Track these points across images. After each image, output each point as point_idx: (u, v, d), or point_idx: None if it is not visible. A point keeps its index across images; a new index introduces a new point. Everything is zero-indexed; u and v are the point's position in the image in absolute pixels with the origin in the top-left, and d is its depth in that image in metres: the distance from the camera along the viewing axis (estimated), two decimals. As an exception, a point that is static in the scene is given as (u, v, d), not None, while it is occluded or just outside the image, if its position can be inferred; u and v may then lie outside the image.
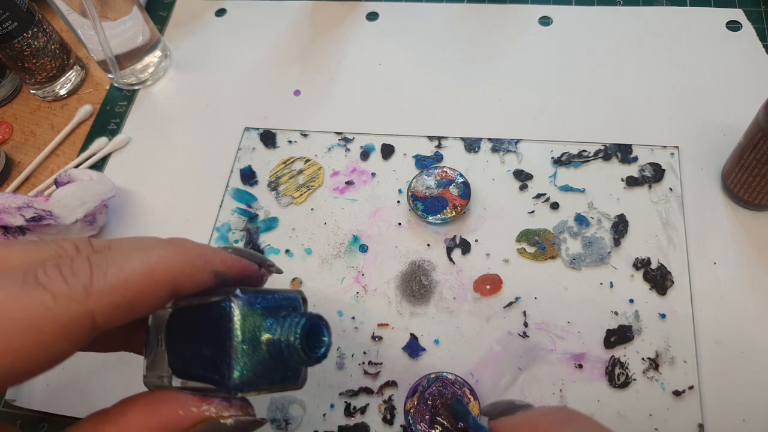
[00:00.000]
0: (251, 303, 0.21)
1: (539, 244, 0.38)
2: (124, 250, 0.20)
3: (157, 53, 0.50)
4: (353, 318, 0.37)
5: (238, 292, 0.21)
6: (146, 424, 0.20)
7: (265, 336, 0.21)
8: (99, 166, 0.46)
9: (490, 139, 0.43)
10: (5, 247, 0.19)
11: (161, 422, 0.20)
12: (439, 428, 0.32)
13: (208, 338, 0.21)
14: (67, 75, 0.51)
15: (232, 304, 0.21)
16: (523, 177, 0.41)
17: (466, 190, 0.39)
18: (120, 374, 0.37)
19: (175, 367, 0.22)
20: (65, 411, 0.36)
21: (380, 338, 0.36)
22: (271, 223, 0.41)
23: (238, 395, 0.21)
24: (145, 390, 0.22)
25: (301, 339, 0.21)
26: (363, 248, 0.40)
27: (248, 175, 0.44)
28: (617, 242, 0.38)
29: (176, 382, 0.22)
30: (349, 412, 0.34)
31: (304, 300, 0.24)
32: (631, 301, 0.36)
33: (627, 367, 0.34)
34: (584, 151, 0.42)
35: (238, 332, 0.20)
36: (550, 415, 0.21)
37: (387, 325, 0.37)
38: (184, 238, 0.22)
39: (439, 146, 0.43)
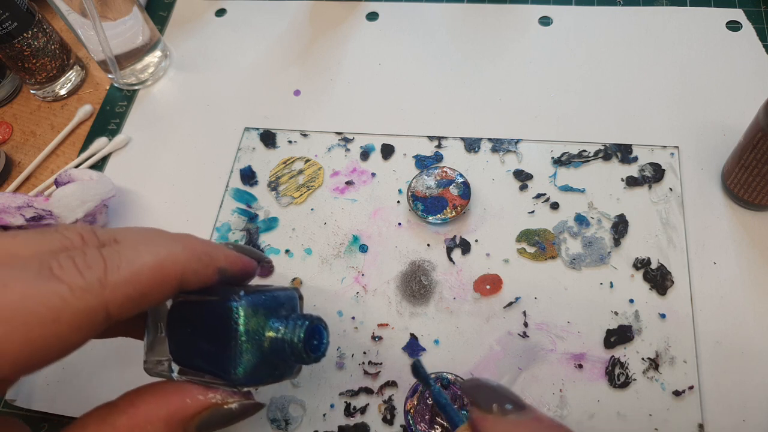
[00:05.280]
0: (254, 303, 0.22)
1: (539, 244, 0.38)
2: (134, 244, 0.20)
3: (157, 53, 0.50)
4: (353, 318, 0.37)
5: (242, 293, 0.22)
6: (156, 414, 0.20)
7: (268, 335, 0.22)
8: (99, 166, 0.46)
9: (490, 139, 0.43)
10: (12, 237, 0.20)
11: (170, 411, 0.20)
12: (439, 428, 0.32)
13: (212, 335, 0.22)
14: (67, 75, 0.51)
15: (238, 305, 0.22)
16: (523, 177, 0.41)
17: (466, 190, 0.39)
18: (120, 375, 0.37)
19: (177, 357, 0.23)
20: (65, 411, 0.36)
21: (380, 338, 0.36)
22: (271, 223, 0.41)
23: (240, 388, 0.22)
24: (146, 377, 0.23)
25: (304, 340, 0.22)
26: (363, 248, 0.40)
27: (248, 175, 0.44)
28: (617, 242, 0.38)
29: (175, 368, 0.23)
30: (349, 412, 0.34)
31: (301, 297, 0.26)
32: (631, 301, 0.36)
33: (627, 367, 0.34)
34: (584, 151, 0.42)
35: (243, 332, 0.22)
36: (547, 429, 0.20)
37: (387, 325, 0.37)
38: (189, 234, 0.23)
39: (439, 146, 0.43)
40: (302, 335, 0.22)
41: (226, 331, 0.22)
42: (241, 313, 0.22)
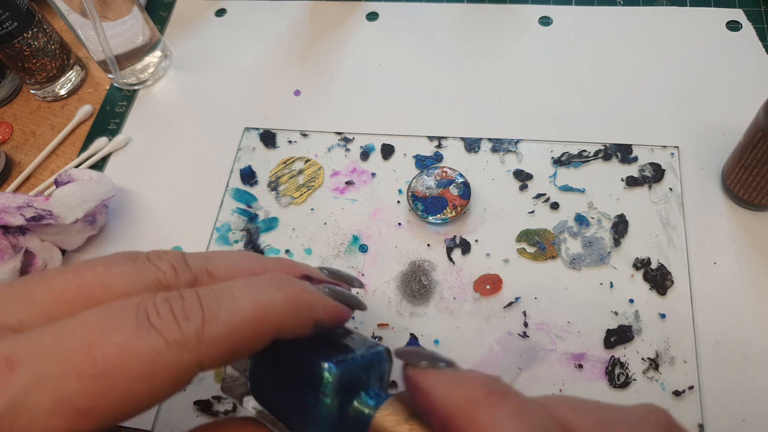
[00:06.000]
0: (346, 376, 0.21)
1: (539, 244, 0.38)
2: (231, 287, 0.19)
3: (157, 53, 0.50)
4: (353, 318, 0.37)
5: (335, 359, 0.21)
6: None
7: (356, 406, 0.21)
8: (99, 166, 0.46)
9: (490, 139, 0.43)
10: (106, 267, 0.19)
11: None
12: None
13: (295, 390, 0.21)
14: (67, 75, 0.51)
15: (329, 375, 0.21)
16: (523, 177, 0.41)
17: (466, 190, 0.39)
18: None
19: (255, 391, 0.23)
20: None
21: (380, 338, 0.36)
22: (271, 223, 0.41)
23: None
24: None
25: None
26: (363, 248, 0.40)
27: (248, 175, 0.44)
28: (617, 242, 0.38)
29: (251, 398, 0.23)
30: (349, 412, 0.34)
31: (391, 360, 0.24)
32: (631, 301, 0.36)
33: (627, 367, 0.34)
34: (584, 151, 0.42)
35: (328, 403, 0.21)
36: (483, 380, 0.18)
37: (387, 325, 0.37)
38: (289, 277, 0.21)
39: (439, 146, 0.43)
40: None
41: (311, 392, 0.21)
42: (330, 383, 0.21)
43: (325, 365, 0.21)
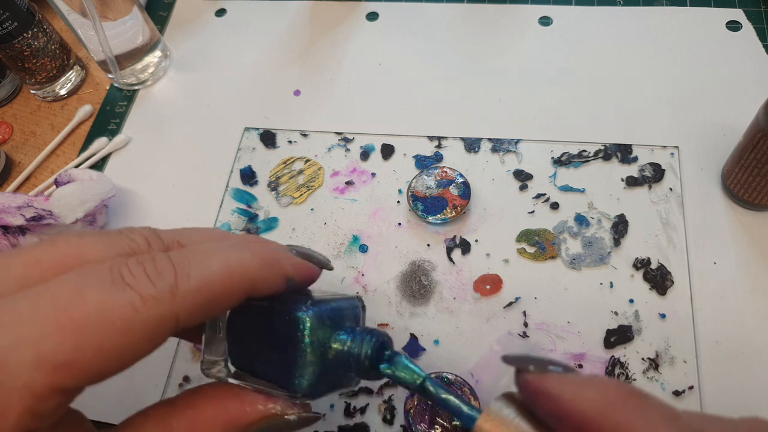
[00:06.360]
0: (321, 314, 0.22)
1: (539, 244, 0.38)
2: (203, 250, 0.20)
3: (157, 53, 0.50)
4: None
5: (309, 302, 0.22)
6: (215, 419, 0.20)
7: (334, 347, 0.22)
8: (99, 166, 0.46)
9: (490, 139, 0.43)
10: (79, 238, 0.19)
11: (229, 417, 0.20)
12: (439, 428, 0.32)
13: (276, 343, 0.22)
14: (67, 75, 0.51)
15: (305, 315, 0.21)
16: (523, 177, 0.41)
17: (466, 190, 0.39)
18: (120, 375, 0.37)
19: (235, 359, 0.23)
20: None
21: (380, 338, 0.36)
22: (271, 224, 0.41)
23: (300, 398, 0.22)
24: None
25: (371, 356, 0.22)
26: (363, 248, 0.40)
27: (248, 175, 0.44)
28: (617, 242, 0.38)
29: (231, 369, 0.23)
30: (349, 412, 0.34)
31: (363, 308, 0.25)
32: (631, 301, 0.36)
33: (627, 367, 0.34)
34: (584, 151, 0.42)
35: (309, 343, 0.21)
36: (618, 383, 0.18)
37: (387, 325, 0.37)
38: (256, 237, 0.22)
39: (439, 146, 0.43)
40: (369, 351, 0.22)
41: (291, 340, 0.21)
42: (308, 324, 0.21)
43: (301, 308, 0.22)
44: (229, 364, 0.23)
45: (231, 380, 0.23)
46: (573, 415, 0.18)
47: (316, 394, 0.22)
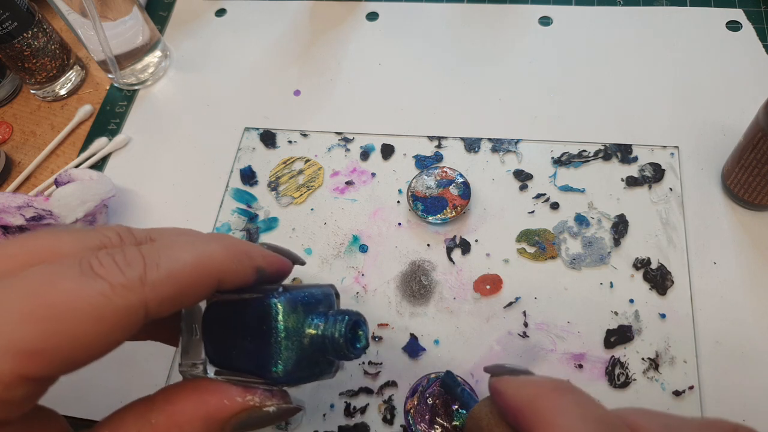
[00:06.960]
0: (294, 300, 0.22)
1: (539, 244, 0.38)
2: (172, 243, 0.20)
3: (157, 53, 0.50)
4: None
5: (280, 289, 0.22)
6: (194, 413, 0.20)
7: (309, 331, 0.22)
8: (99, 166, 0.46)
9: (490, 139, 0.43)
10: (54, 235, 0.20)
11: (208, 411, 0.20)
12: (439, 428, 0.32)
13: (251, 333, 0.22)
14: (67, 75, 0.51)
15: (277, 302, 0.22)
16: (523, 177, 0.41)
17: (466, 190, 0.39)
18: (120, 374, 0.37)
19: (213, 358, 0.23)
20: (65, 411, 0.36)
21: (380, 338, 0.36)
22: (271, 223, 0.41)
23: (280, 387, 0.22)
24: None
25: (345, 335, 0.22)
26: (363, 248, 0.40)
27: (248, 175, 0.44)
28: (617, 242, 0.38)
29: (211, 370, 0.23)
30: (349, 412, 0.34)
31: (337, 295, 0.26)
32: (631, 301, 0.36)
33: (627, 367, 0.34)
34: (584, 151, 0.42)
35: (283, 328, 0.22)
36: (552, 381, 0.21)
37: (387, 325, 0.37)
38: (225, 234, 0.23)
39: (439, 146, 0.43)
40: (343, 330, 0.22)
41: (265, 328, 0.22)
42: (281, 310, 0.22)
43: (273, 295, 0.22)
44: (208, 365, 0.24)
45: (210, 375, 0.23)
46: (512, 407, 0.20)
47: (295, 380, 0.22)
